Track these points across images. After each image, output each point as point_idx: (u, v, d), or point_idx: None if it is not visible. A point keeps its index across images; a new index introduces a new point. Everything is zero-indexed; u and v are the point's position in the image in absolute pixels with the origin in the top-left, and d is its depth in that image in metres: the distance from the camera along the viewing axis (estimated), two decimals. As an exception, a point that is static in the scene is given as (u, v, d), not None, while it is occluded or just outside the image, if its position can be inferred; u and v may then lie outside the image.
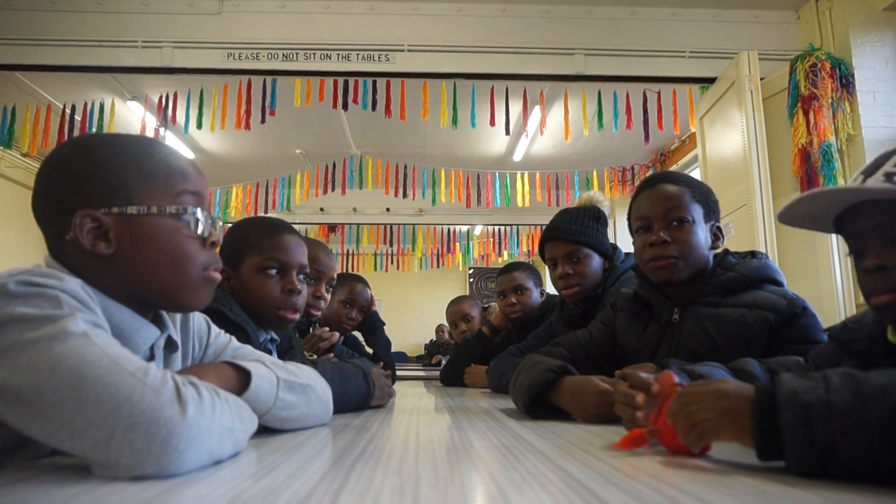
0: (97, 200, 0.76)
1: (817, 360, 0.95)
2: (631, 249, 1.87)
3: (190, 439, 0.59)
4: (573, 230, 1.84)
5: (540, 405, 1.17)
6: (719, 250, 1.34)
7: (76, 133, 4.16)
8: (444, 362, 2.96)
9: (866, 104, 3.34)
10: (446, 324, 3.42)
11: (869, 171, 0.78)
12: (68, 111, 4.17)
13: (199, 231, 0.82)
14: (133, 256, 0.77)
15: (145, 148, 0.82)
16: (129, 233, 0.76)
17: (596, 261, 1.86)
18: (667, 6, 3.81)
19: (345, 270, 8.04)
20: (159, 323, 0.85)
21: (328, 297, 1.95)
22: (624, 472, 0.64)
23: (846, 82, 3.36)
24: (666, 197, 1.28)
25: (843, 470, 0.57)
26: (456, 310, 2.97)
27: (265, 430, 0.87)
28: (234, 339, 1.03)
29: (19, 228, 5.84)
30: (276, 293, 1.32)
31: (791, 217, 0.86)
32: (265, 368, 0.88)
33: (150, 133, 4.53)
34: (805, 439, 0.58)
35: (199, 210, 0.82)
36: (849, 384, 0.58)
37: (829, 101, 3.30)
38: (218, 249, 0.87)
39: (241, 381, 0.83)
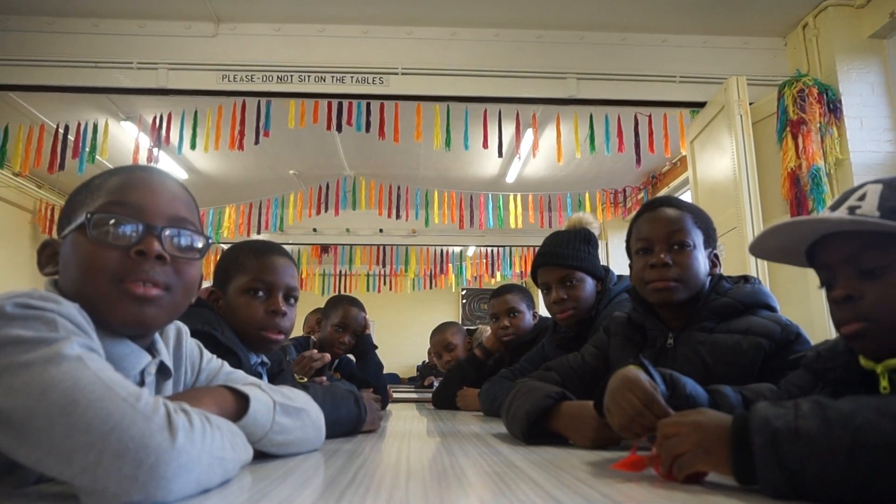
0: (59, 231, 0.81)
1: (790, 388, 0.95)
2: (623, 272, 1.89)
3: (178, 467, 0.58)
4: (566, 255, 1.85)
5: (537, 431, 1.16)
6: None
7: (69, 153, 4.16)
8: (435, 384, 2.90)
9: (853, 129, 3.39)
10: None
11: (835, 206, 0.81)
12: (61, 131, 4.17)
13: (113, 239, 0.75)
14: (64, 274, 0.78)
15: (109, 172, 0.83)
16: (63, 252, 0.79)
17: (589, 284, 1.86)
18: (657, 32, 3.87)
19: (337, 292, 8.02)
20: (152, 348, 0.84)
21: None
22: (615, 499, 0.64)
23: (833, 107, 3.41)
24: (668, 220, 1.30)
25: (812, 492, 0.60)
26: (438, 340, 2.92)
27: (256, 456, 0.86)
28: (226, 364, 1.02)
29: (10, 248, 5.80)
30: (260, 314, 1.31)
31: (763, 250, 0.88)
32: (261, 392, 0.87)
33: (143, 153, 4.53)
34: (774, 462, 0.61)
35: (115, 218, 0.76)
36: (816, 411, 0.62)
37: (818, 125, 3.34)
38: (167, 261, 0.77)
39: (239, 405, 0.83)
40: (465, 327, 3.24)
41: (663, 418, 0.84)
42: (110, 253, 0.75)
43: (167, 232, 0.79)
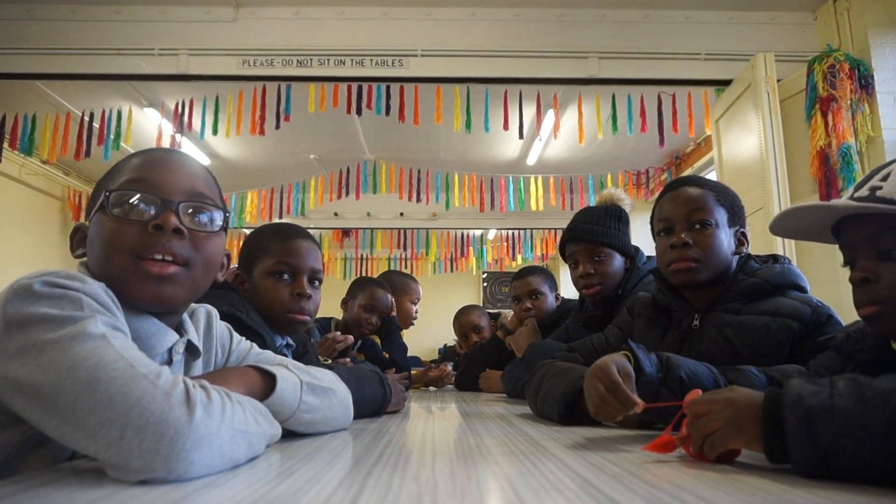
0: (87, 216, 0.82)
1: (819, 369, 0.94)
2: (650, 252, 1.86)
3: (197, 440, 0.59)
4: (595, 231, 1.84)
5: (572, 412, 1.16)
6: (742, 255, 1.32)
7: (94, 140, 4.22)
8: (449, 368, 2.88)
9: (886, 105, 3.29)
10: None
11: (860, 185, 0.79)
12: (87, 118, 4.23)
13: (132, 215, 0.76)
14: (90, 254, 0.79)
15: (131, 155, 0.84)
16: (89, 233, 0.80)
17: (617, 260, 1.84)
18: (681, 8, 3.78)
19: (358, 275, 8.05)
20: (180, 328, 0.85)
21: None
22: (643, 478, 0.64)
23: (865, 83, 3.31)
24: (689, 199, 1.27)
25: (846, 472, 0.59)
26: (465, 321, 2.92)
27: (284, 435, 0.87)
28: (255, 345, 1.04)
29: (39, 234, 5.92)
30: (286, 297, 1.33)
31: (783, 231, 0.89)
32: (288, 372, 0.89)
33: (166, 139, 4.58)
34: (808, 441, 0.60)
35: (133, 195, 0.77)
36: (853, 389, 0.60)
37: (848, 102, 3.25)
38: (184, 235, 0.78)
39: (266, 384, 0.84)
40: (488, 311, 3.23)
41: (628, 404, 0.89)
42: (129, 228, 0.76)
43: (184, 206, 0.80)
